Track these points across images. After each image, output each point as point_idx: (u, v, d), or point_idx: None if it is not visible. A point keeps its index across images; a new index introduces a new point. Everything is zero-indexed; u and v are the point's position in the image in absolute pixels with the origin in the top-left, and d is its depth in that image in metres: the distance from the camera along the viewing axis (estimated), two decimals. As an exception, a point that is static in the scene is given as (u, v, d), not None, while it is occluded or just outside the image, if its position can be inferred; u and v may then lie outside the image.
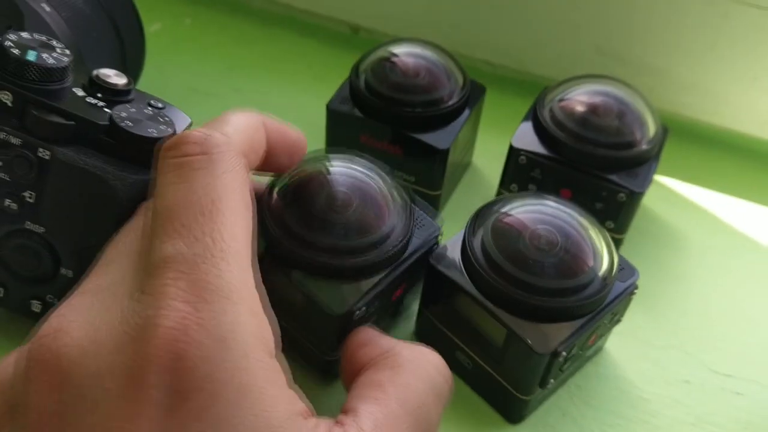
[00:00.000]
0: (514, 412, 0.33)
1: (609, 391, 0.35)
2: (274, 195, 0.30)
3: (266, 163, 0.27)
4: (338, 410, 0.24)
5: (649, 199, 0.43)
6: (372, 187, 0.31)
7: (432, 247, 0.32)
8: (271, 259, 0.29)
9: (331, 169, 0.31)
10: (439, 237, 0.33)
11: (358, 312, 0.29)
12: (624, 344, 0.37)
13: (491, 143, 0.44)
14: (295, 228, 0.29)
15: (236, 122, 0.25)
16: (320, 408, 0.23)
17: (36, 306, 0.31)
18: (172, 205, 0.22)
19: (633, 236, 0.41)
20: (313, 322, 0.31)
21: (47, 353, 0.20)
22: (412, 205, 0.32)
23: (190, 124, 0.31)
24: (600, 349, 0.36)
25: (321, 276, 0.29)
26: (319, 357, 0.32)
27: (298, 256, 0.29)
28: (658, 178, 0.45)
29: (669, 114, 0.47)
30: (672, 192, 0.45)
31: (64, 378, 0.20)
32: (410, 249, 0.31)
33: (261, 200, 0.30)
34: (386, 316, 0.34)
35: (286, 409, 0.21)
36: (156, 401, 0.19)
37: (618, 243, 0.40)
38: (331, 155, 0.32)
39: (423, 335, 0.36)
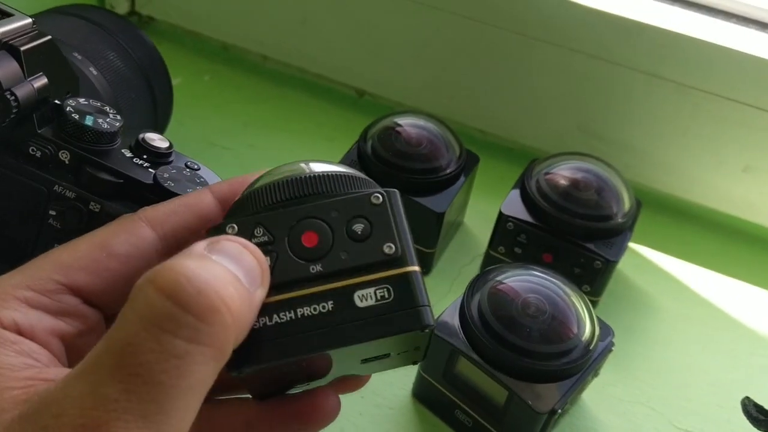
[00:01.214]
0: None
1: (580, 438, 0.38)
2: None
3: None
4: None
5: (624, 266, 0.47)
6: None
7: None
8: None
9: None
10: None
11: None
12: (597, 398, 0.40)
13: (481, 205, 0.48)
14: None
15: (173, 201, 0.25)
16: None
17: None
18: None
19: (607, 299, 0.45)
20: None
21: None
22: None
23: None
24: (577, 401, 0.40)
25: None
26: None
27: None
28: (633, 246, 0.49)
29: (644, 189, 0.51)
30: (645, 260, 0.49)
31: None
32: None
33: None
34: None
35: None
36: None
37: (594, 305, 0.43)
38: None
39: (422, 395, 0.39)
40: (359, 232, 0.22)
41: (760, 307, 0.47)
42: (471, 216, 0.49)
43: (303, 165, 0.23)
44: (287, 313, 0.21)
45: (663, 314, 0.46)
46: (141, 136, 0.33)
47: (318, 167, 0.23)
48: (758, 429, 0.34)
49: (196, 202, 0.25)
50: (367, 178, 0.23)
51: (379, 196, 0.22)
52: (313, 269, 0.21)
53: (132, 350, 0.18)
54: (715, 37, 0.46)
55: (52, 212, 0.31)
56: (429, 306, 0.21)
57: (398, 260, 0.22)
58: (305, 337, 0.21)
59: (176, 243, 0.24)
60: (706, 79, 0.47)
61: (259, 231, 0.21)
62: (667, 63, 0.47)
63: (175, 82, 0.57)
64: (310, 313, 0.21)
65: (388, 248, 0.22)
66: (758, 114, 0.47)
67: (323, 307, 0.21)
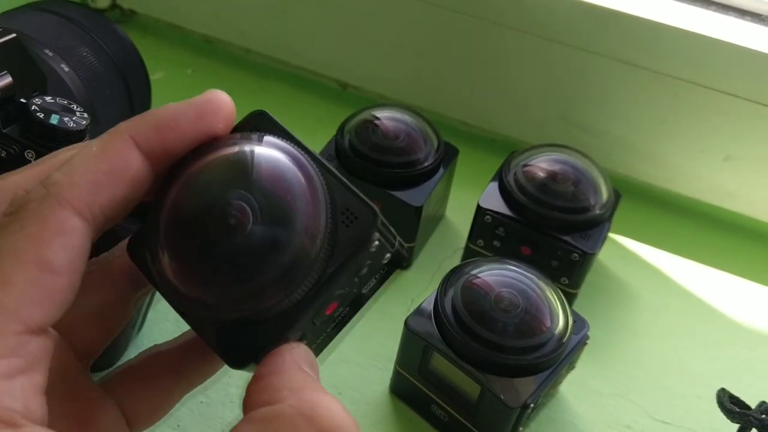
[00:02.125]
0: None
1: (557, 427, 0.38)
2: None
3: (172, 150, 0.21)
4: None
5: (604, 257, 0.47)
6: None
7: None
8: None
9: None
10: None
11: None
12: (575, 391, 0.40)
13: (463, 197, 0.48)
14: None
15: (77, 161, 0.20)
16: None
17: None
18: None
19: (587, 291, 0.45)
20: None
21: None
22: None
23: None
24: (555, 393, 0.39)
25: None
26: None
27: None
28: (613, 236, 0.48)
29: (624, 178, 0.51)
30: (626, 251, 0.48)
31: None
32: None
33: None
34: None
35: None
36: None
37: (572, 297, 0.43)
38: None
39: (398, 391, 0.38)
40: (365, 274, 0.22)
41: (741, 297, 0.46)
42: (452, 209, 0.49)
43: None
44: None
45: (643, 305, 0.45)
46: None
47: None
48: (732, 421, 0.33)
49: (120, 166, 0.20)
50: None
51: (376, 241, 0.20)
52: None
53: None
54: (694, 25, 0.45)
55: (18, 213, 0.31)
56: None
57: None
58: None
59: (104, 222, 0.20)
60: (685, 68, 0.46)
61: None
62: (647, 52, 0.46)
63: (157, 76, 0.57)
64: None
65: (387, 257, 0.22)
66: (739, 103, 0.46)
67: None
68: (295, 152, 0.21)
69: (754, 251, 0.49)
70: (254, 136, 0.22)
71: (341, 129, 0.44)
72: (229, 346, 0.21)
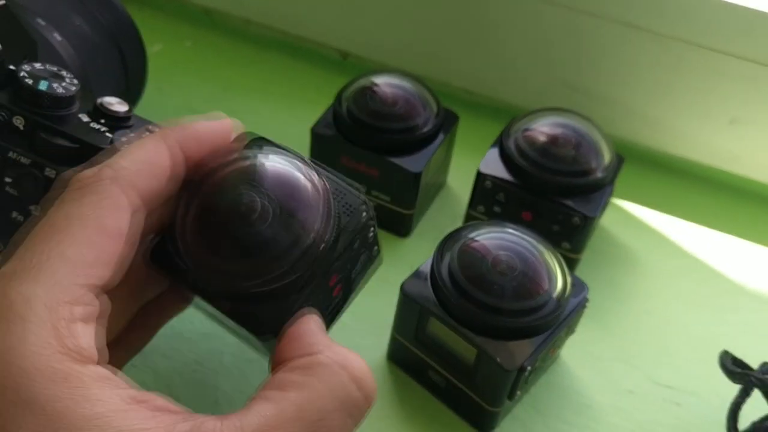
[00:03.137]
0: (485, 423, 0.35)
1: (558, 399, 0.38)
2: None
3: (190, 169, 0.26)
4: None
5: (607, 221, 0.46)
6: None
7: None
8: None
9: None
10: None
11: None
12: (576, 356, 0.39)
13: (465, 165, 0.47)
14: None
15: (134, 155, 0.25)
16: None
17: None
18: (33, 232, 0.23)
19: (590, 256, 0.44)
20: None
21: None
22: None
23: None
24: (556, 359, 0.39)
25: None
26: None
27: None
28: (616, 201, 0.47)
29: (628, 143, 0.50)
30: (629, 215, 0.47)
31: None
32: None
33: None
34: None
35: (112, 403, 0.20)
36: None
37: (574, 262, 0.42)
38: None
39: (395, 358, 0.38)
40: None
41: (745, 260, 0.45)
42: (454, 176, 0.48)
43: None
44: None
45: (646, 270, 0.44)
46: (99, 100, 0.32)
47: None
48: (733, 381, 0.33)
49: (163, 164, 0.25)
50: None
51: (363, 213, 0.27)
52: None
53: (325, 424, 0.22)
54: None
55: (8, 179, 0.31)
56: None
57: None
58: None
59: (147, 210, 0.25)
60: (690, 30, 0.45)
61: None
62: (649, 13, 0.45)
63: (156, 48, 0.56)
64: None
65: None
66: (744, 65, 0.45)
67: None
68: (295, 159, 0.27)
69: (759, 214, 0.48)
70: (260, 149, 0.27)
71: (339, 96, 0.43)
72: (255, 320, 0.25)
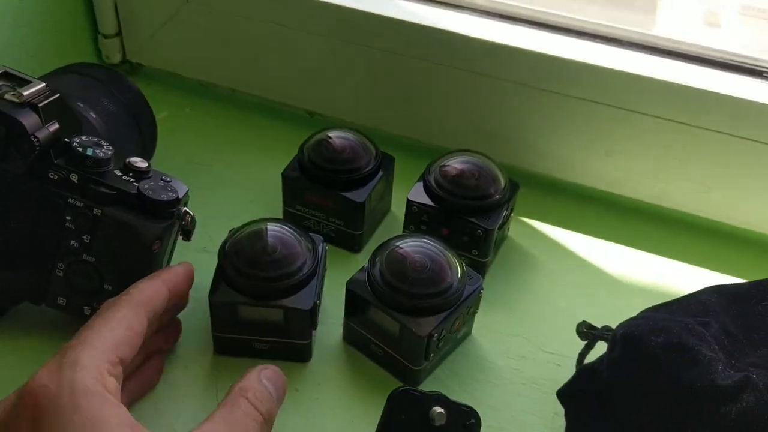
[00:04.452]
0: (412, 379, 0.47)
1: (469, 364, 0.50)
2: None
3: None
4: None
5: (513, 234, 0.59)
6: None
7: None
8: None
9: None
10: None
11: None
12: (484, 333, 0.52)
13: (404, 195, 0.60)
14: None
15: (146, 290, 0.42)
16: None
17: (87, 311, 0.46)
18: (90, 322, 0.38)
19: (500, 260, 0.57)
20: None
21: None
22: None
23: (187, 192, 0.46)
24: (468, 335, 0.51)
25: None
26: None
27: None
28: (520, 218, 0.61)
29: (527, 172, 0.63)
30: (530, 228, 0.60)
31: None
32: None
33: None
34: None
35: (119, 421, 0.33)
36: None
37: (485, 265, 0.55)
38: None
39: (348, 338, 0.50)
40: None
41: (618, 260, 0.58)
42: (396, 204, 0.61)
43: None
44: None
45: (543, 269, 0.57)
46: (127, 160, 0.45)
47: None
48: (582, 339, 0.45)
49: (163, 294, 0.42)
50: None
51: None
52: None
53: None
54: (568, 53, 0.57)
55: (68, 217, 0.44)
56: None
57: None
58: None
59: (151, 320, 0.41)
60: (564, 86, 0.58)
61: None
62: (537, 76, 0.59)
63: (162, 115, 0.69)
64: None
65: None
66: (614, 110, 0.58)
67: None
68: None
69: (631, 223, 0.61)
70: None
71: (302, 148, 0.57)
72: None
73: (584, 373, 0.41)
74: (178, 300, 0.45)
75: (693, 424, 0.33)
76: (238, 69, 0.70)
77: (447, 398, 0.33)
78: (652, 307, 0.41)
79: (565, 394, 0.42)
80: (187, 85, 0.74)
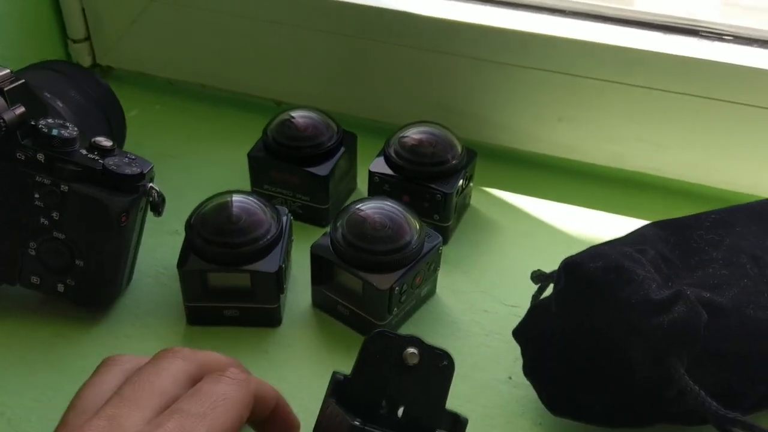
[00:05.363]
0: None
1: (433, 320, 0.51)
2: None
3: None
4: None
5: (475, 201, 0.61)
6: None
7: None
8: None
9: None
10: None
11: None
12: (447, 293, 0.53)
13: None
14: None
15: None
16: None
17: (60, 288, 0.48)
18: None
19: (462, 227, 0.59)
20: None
21: None
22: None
23: (152, 167, 0.48)
24: (432, 294, 0.53)
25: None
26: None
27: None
28: (481, 187, 0.62)
29: (485, 144, 0.65)
30: (490, 195, 0.62)
31: None
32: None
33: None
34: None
35: None
36: None
37: (445, 231, 0.56)
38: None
39: (316, 302, 0.52)
40: None
41: (579, 221, 0.60)
42: (363, 184, 0.63)
43: None
44: None
45: (505, 234, 0.59)
46: (93, 140, 0.47)
47: None
48: (535, 283, 0.47)
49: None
50: None
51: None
52: None
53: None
54: (516, 24, 0.60)
55: (36, 195, 0.45)
56: None
57: None
58: None
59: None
60: (515, 57, 0.61)
61: None
62: (488, 49, 0.61)
63: (132, 113, 0.71)
64: None
65: None
66: (565, 77, 0.60)
67: None
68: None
69: (584, 185, 0.64)
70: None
71: (265, 129, 0.58)
72: None
73: (535, 310, 0.42)
74: None
75: (628, 336, 0.34)
76: (206, 63, 0.72)
77: (421, 341, 0.35)
78: (597, 244, 0.43)
79: (520, 334, 0.43)
80: (157, 84, 0.75)
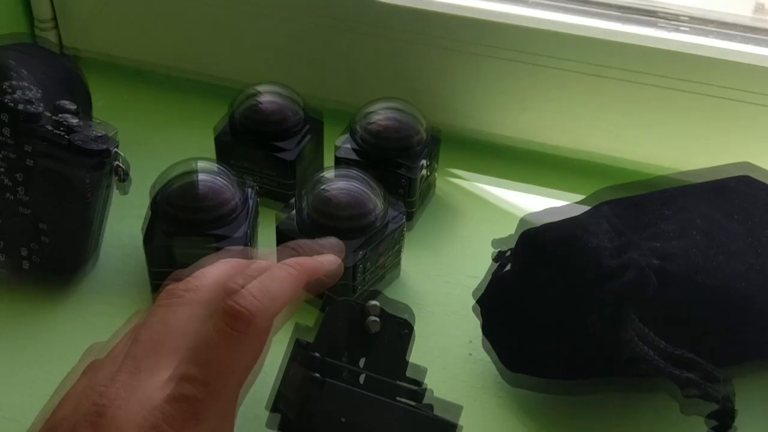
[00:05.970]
0: None
1: (400, 298, 0.52)
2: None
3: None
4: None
5: (441, 187, 0.62)
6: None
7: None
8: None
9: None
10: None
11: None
12: (411, 275, 0.54)
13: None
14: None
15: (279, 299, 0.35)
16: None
17: (26, 265, 0.48)
18: None
19: (428, 211, 0.60)
20: None
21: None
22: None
23: (116, 132, 0.48)
24: (396, 277, 0.54)
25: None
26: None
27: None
28: (449, 169, 0.64)
29: (452, 128, 0.66)
30: (456, 178, 0.64)
31: None
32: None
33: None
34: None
35: None
36: None
37: (410, 215, 0.57)
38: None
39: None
40: None
41: (542, 204, 0.61)
42: (329, 162, 0.63)
43: None
44: None
45: (470, 218, 0.60)
46: (57, 102, 0.47)
47: None
48: (494, 261, 0.48)
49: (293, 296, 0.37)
50: None
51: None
52: None
53: None
54: (470, 12, 0.61)
55: (2, 169, 0.45)
56: None
57: None
58: None
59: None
60: (486, 46, 0.62)
61: None
62: (456, 38, 0.62)
63: (101, 102, 0.71)
64: None
65: None
66: (527, 67, 0.62)
67: None
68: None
69: (551, 171, 0.65)
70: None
71: (233, 112, 0.59)
72: None
73: (495, 281, 0.44)
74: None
75: (581, 301, 0.36)
76: (173, 48, 0.72)
77: (383, 310, 0.36)
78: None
79: (481, 302, 0.44)
80: (124, 72, 0.75)
